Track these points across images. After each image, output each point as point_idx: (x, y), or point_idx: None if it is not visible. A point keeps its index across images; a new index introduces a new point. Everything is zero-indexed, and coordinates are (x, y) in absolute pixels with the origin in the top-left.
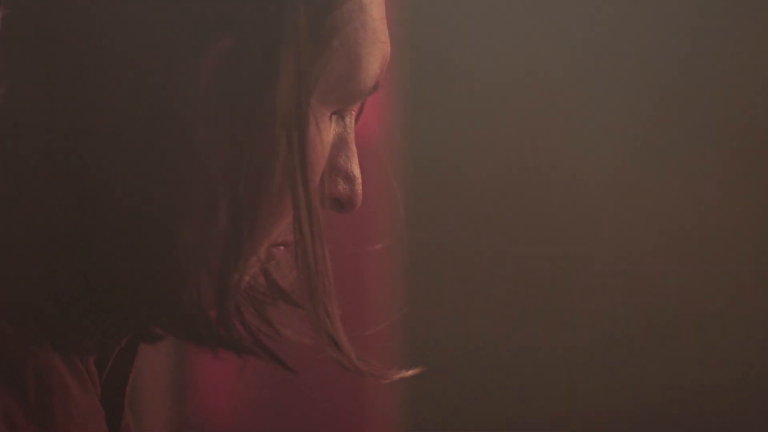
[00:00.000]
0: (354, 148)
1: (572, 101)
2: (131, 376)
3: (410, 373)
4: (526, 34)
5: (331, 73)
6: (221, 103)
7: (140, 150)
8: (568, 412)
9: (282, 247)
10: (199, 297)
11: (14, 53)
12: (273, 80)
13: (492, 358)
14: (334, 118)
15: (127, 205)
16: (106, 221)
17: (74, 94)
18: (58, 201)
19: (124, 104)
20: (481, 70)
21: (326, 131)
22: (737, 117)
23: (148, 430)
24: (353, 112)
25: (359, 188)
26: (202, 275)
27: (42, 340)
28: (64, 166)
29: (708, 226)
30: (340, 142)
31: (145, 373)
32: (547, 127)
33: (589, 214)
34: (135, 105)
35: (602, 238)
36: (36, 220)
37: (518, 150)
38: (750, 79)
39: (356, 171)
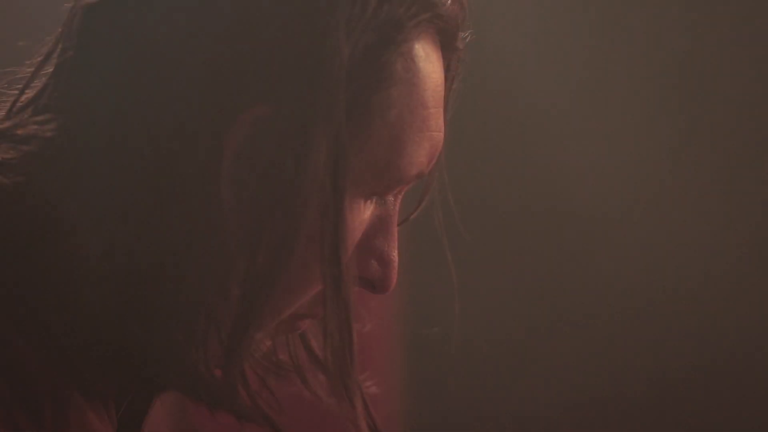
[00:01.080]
0: (394, 231)
1: (584, 103)
2: (147, 415)
3: None
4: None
5: (370, 155)
6: (248, 171)
7: (162, 206)
8: (570, 414)
9: (307, 319)
10: (206, 358)
11: (65, 88)
12: (305, 155)
13: (497, 370)
14: (374, 198)
15: (145, 256)
16: (123, 269)
17: (110, 137)
18: (84, 244)
19: (153, 156)
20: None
21: (359, 212)
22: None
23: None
24: (398, 195)
25: (394, 272)
26: (212, 337)
27: (65, 376)
28: (92, 209)
29: (720, 232)
30: (379, 223)
31: None
32: (551, 129)
33: (597, 216)
34: (163, 159)
35: (611, 239)
36: (63, 262)
37: (521, 151)
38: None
39: (393, 255)
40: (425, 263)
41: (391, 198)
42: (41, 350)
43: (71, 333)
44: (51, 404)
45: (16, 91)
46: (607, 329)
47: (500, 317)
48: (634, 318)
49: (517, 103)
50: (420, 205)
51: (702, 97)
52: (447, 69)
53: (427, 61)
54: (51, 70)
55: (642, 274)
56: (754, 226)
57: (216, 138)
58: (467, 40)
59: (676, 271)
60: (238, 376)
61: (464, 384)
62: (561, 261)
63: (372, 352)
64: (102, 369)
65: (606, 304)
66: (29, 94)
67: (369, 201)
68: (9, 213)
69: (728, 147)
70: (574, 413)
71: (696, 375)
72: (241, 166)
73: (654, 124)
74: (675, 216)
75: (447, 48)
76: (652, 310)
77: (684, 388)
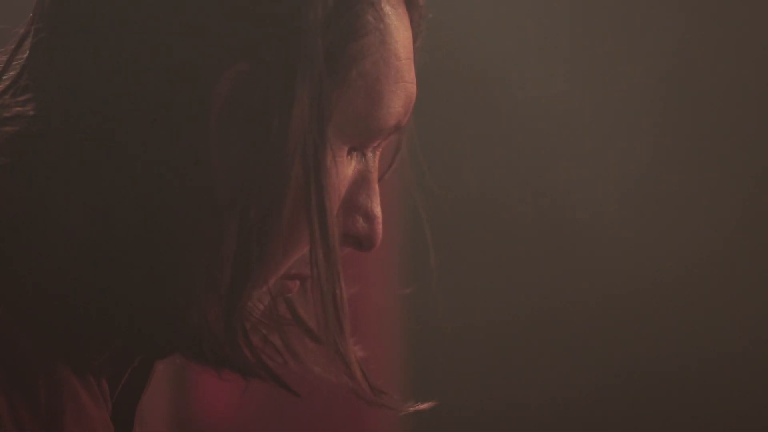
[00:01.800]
0: (376, 186)
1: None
2: (143, 394)
3: (423, 406)
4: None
5: (349, 106)
6: (234, 128)
7: (150, 168)
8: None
9: (297, 280)
10: (206, 317)
11: (43, 67)
12: (287, 107)
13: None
14: (355, 154)
15: (137, 223)
16: (116, 238)
17: (94, 108)
18: (74, 218)
19: (138, 120)
20: (490, 77)
21: (343, 165)
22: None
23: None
24: (376, 150)
25: (379, 227)
26: (211, 296)
27: (58, 356)
28: (80, 182)
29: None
30: (361, 179)
31: None
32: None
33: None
34: (148, 122)
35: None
36: (54, 238)
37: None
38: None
39: (377, 210)
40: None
41: (370, 154)
42: (33, 330)
43: (65, 307)
44: (45, 385)
45: None
46: (599, 320)
47: (489, 299)
48: (629, 312)
49: (516, 102)
50: (392, 164)
51: (701, 99)
52: (411, 24)
53: (395, 13)
54: (27, 53)
55: (636, 270)
56: (748, 227)
57: (201, 97)
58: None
59: (671, 269)
60: (240, 333)
61: (455, 339)
62: (556, 255)
63: (359, 317)
64: (100, 341)
65: (600, 296)
66: (6, 80)
67: (350, 156)
68: None
69: (727, 147)
70: (562, 370)
71: (688, 371)
72: (227, 124)
73: (653, 124)
74: (672, 215)
75: (410, 3)
76: (647, 305)
77: (677, 383)
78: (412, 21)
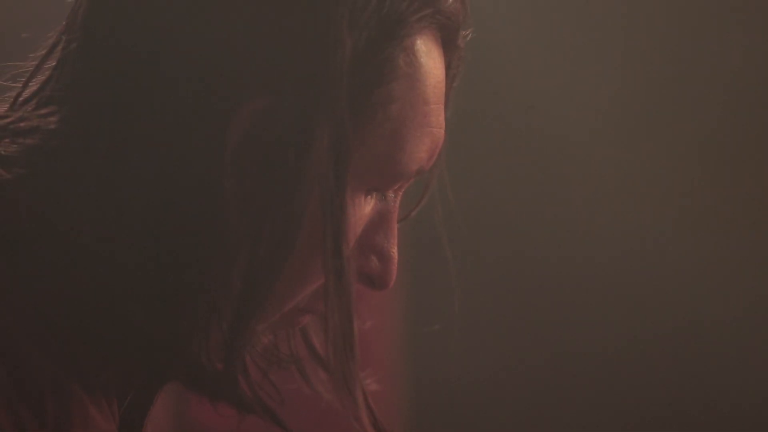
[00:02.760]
0: (394, 227)
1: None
2: (151, 409)
3: None
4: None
5: (371, 149)
6: (250, 163)
7: (162, 195)
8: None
9: (307, 314)
10: (208, 348)
11: (68, 80)
12: (306, 148)
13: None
14: (375, 194)
15: (146, 246)
16: (124, 259)
17: (112, 128)
18: (84, 235)
19: (154, 146)
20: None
21: (361, 206)
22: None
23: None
24: (398, 191)
25: (393, 268)
26: (214, 328)
27: (67, 371)
28: (93, 201)
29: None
30: (379, 219)
31: None
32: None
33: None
34: (164, 149)
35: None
36: (64, 253)
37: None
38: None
39: (393, 251)
40: (426, 262)
41: (391, 194)
42: (42, 343)
43: (72, 325)
44: (53, 398)
45: (20, 85)
46: (606, 328)
47: (501, 316)
48: (635, 317)
49: (520, 104)
50: (420, 202)
51: (699, 101)
52: (448, 67)
53: (429, 56)
54: (55, 62)
55: (641, 275)
56: (750, 225)
57: (218, 129)
58: (468, 39)
59: (672, 272)
60: (240, 367)
61: (465, 382)
62: (561, 263)
63: (373, 350)
64: (103, 360)
65: (606, 303)
66: (33, 87)
67: (369, 196)
68: (11, 205)
69: (725, 148)
70: (573, 411)
71: (689, 375)
72: (243, 158)
73: (653, 125)
74: (672, 216)
75: (448, 45)
76: (652, 311)
77: (677, 388)
78: (450, 62)
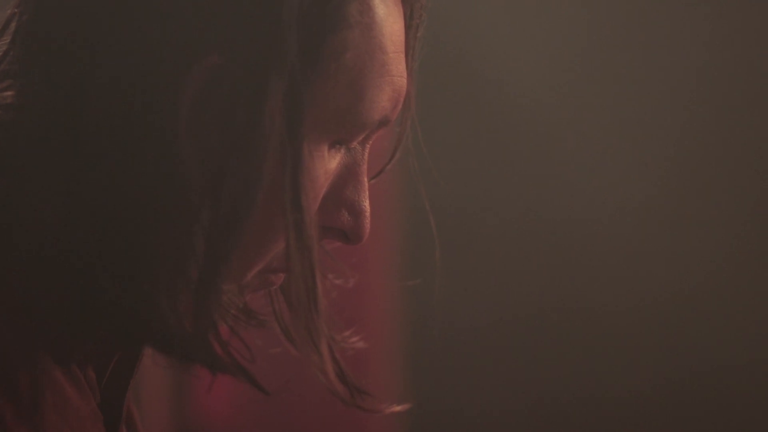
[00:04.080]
0: (364, 180)
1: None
2: (132, 380)
3: (399, 408)
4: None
5: (330, 100)
6: (205, 121)
7: (122, 159)
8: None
9: (281, 273)
10: (176, 309)
11: (22, 52)
12: (259, 101)
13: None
14: (341, 148)
15: (108, 212)
16: (88, 228)
17: (69, 97)
18: (47, 207)
19: (111, 111)
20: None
21: (323, 159)
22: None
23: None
24: (366, 143)
25: (366, 221)
26: (181, 289)
27: (40, 348)
28: (54, 171)
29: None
30: (347, 173)
31: (145, 373)
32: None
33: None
34: (121, 113)
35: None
36: (28, 226)
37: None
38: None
39: (364, 204)
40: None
41: (359, 146)
42: (11, 319)
43: (39, 296)
44: (26, 377)
45: None
46: (597, 320)
47: (486, 267)
48: (623, 311)
49: (518, 104)
50: (393, 156)
51: (696, 100)
52: (410, 16)
53: (384, 5)
54: (10, 37)
55: (631, 271)
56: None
57: (173, 89)
58: None
59: (668, 271)
60: (210, 327)
61: (453, 334)
62: (557, 256)
63: (363, 308)
64: (76, 333)
65: (596, 295)
66: None
67: (334, 149)
68: None
69: (733, 151)
70: (560, 356)
71: (694, 375)
72: (199, 116)
73: (658, 127)
74: (668, 217)
75: None
76: (641, 306)
77: (682, 386)
78: (411, 11)
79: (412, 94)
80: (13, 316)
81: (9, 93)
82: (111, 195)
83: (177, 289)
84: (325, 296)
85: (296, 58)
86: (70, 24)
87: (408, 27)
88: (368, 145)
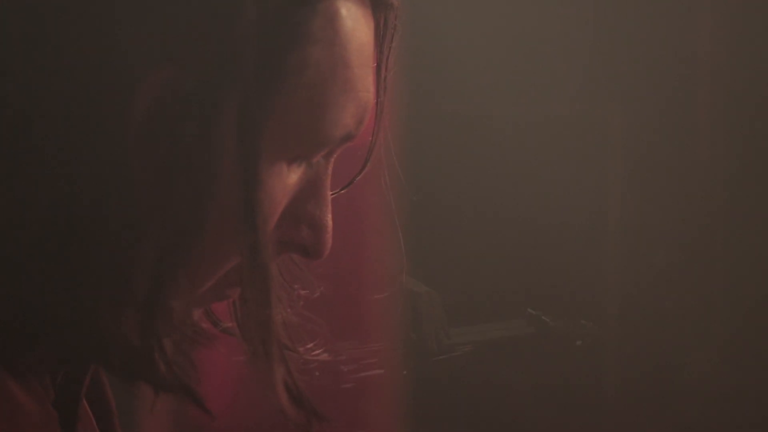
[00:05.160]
0: (326, 194)
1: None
2: (86, 380)
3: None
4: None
5: (289, 116)
6: (157, 135)
7: (67, 172)
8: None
9: (238, 288)
10: (119, 326)
11: None
12: (213, 117)
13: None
14: (302, 163)
15: (52, 225)
16: (31, 239)
17: (16, 107)
18: None
19: (58, 121)
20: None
21: (281, 175)
22: None
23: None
24: (329, 158)
25: (326, 237)
26: (126, 305)
27: None
28: (4, 184)
29: None
30: (309, 188)
31: None
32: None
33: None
34: (68, 124)
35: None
36: None
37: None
38: None
39: (325, 219)
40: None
41: (321, 161)
42: None
43: None
44: None
45: None
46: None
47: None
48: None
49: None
50: (363, 169)
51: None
52: (384, 25)
53: (350, 19)
54: None
55: (622, 267)
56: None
57: (123, 102)
58: None
59: (664, 271)
60: (155, 345)
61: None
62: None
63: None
64: (24, 341)
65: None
66: None
67: (295, 164)
68: None
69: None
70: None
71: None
72: (149, 130)
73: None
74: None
75: (377, 4)
76: (639, 302)
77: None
78: (385, 21)
79: (384, 104)
80: None
81: None
82: (54, 207)
83: (121, 305)
84: (293, 307)
85: (252, 73)
86: (21, 28)
87: (380, 38)
88: (331, 160)
